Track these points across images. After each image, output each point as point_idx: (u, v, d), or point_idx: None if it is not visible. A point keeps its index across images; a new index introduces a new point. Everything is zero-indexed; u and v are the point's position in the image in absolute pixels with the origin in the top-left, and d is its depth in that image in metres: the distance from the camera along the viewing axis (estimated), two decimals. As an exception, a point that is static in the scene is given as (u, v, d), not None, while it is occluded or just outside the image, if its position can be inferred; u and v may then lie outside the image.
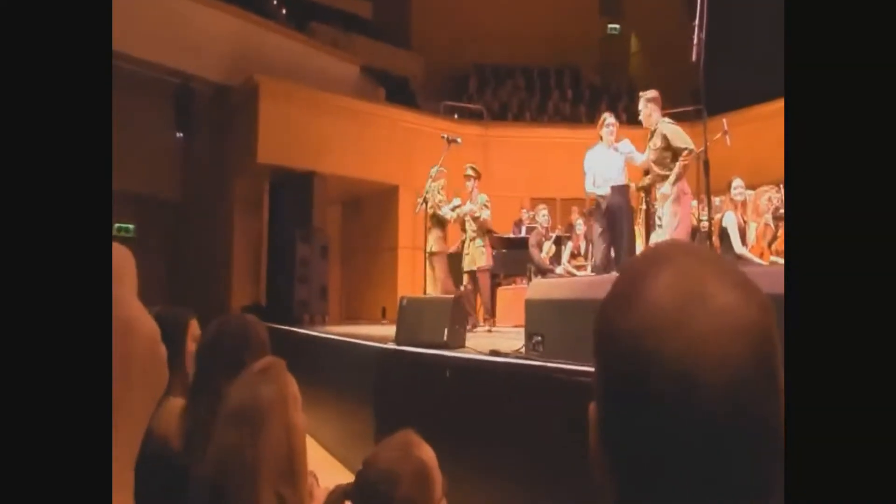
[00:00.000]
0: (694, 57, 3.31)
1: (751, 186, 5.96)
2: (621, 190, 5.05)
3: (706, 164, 3.48)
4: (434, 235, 6.34)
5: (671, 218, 4.45)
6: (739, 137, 6.24)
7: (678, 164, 4.43)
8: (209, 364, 1.65)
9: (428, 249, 6.30)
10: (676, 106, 11.03)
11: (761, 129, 7.86)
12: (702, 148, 3.87)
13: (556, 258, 7.24)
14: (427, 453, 1.23)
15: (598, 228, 5.11)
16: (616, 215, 5.00)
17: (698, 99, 3.90)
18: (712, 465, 0.41)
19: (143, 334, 0.39)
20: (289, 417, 1.31)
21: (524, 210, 8.77)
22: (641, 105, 4.76)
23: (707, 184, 3.50)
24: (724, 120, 6.25)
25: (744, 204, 5.53)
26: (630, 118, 12.64)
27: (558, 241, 7.28)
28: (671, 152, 4.50)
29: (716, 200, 6.01)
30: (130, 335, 0.38)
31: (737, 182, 5.57)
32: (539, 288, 3.25)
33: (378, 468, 1.15)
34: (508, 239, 7.63)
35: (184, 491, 1.28)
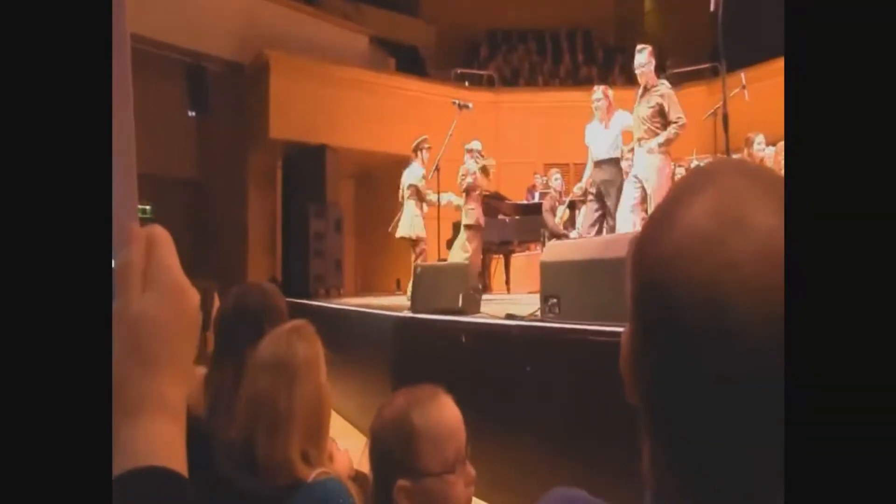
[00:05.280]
0: (712, 7, 3.18)
1: (772, 143, 5.80)
2: (610, 163, 4.97)
3: (725, 119, 3.37)
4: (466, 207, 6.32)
5: (656, 174, 4.37)
6: (759, 92, 6.06)
7: (670, 130, 4.36)
8: (231, 331, 1.64)
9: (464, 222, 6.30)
10: (693, 63, 10.76)
11: (782, 83, 7.61)
12: (720, 104, 3.75)
13: (571, 223, 7.17)
14: (441, 411, 1.17)
15: (589, 205, 5.09)
16: (606, 190, 4.93)
17: (715, 55, 3.75)
18: (742, 401, 0.37)
19: (192, 298, 0.44)
20: (319, 377, 1.31)
21: (537, 175, 8.67)
22: (644, 59, 4.57)
23: (726, 140, 3.40)
24: (743, 74, 6.06)
25: (763, 160, 5.42)
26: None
27: (572, 206, 7.20)
28: (663, 118, 4.42)
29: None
30: (184, 296, 0.43)
31: (759, 138, 5.44)
32: (555, 250, 3.20)
33: (385, 418, 1.12)
34: (521, 205, 7.55)
35: (208, 458, 1.28)
